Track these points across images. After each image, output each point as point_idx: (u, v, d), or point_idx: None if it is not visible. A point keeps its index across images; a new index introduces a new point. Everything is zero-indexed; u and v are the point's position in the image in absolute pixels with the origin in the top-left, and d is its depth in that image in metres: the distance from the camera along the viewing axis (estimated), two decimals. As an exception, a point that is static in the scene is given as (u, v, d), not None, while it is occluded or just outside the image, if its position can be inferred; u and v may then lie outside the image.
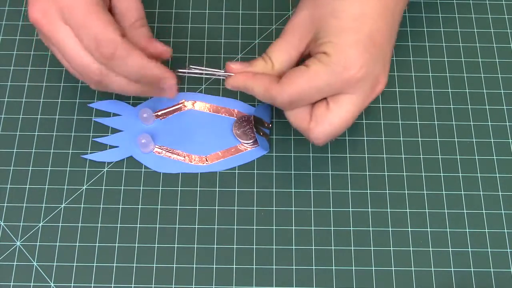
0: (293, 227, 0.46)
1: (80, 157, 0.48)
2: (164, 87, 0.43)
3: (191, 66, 0.45)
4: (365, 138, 0.49)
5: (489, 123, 0.49)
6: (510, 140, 0.49)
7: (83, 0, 0.40)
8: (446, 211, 0.47)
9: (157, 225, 0.46)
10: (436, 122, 0.49)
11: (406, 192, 0.47)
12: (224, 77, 0.44)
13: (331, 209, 0.46)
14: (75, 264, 0.45)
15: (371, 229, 0.46)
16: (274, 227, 0.46)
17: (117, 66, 0.41)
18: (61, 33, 0.40)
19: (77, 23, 0.40)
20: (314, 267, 0.45)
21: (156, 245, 0.45)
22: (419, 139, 0.49)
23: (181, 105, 0.50)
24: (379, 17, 0.41)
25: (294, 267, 0.45)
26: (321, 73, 0.40)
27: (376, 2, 0.41)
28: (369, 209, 0.46)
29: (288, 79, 0.41)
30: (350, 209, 0.46)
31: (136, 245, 0.45)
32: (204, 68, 0.45)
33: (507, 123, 0.49)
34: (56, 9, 0.40)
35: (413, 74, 0.51)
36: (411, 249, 0.45)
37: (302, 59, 0.43)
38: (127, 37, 0.41)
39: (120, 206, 0.46)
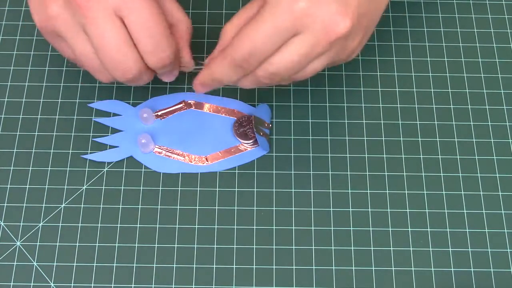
0: (293, 227, 0.46)
1: (80, 157, 0.48)
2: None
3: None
4: (365, 138, 0.49)
5: (489, 123, 0.49)
6: (510, 140, 0.49)
7: (149, 2, 0.39)
8: (446, 211, 0.47)
9: (157, 225, 0.46)
10: (436, 122, 0.49)
11: (406, 192, 0.47)
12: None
13: (331, 209, 0.46)
14: (75, 264, 0.45)
15: (371, 229, 0.46)
16: (274, 227, 0.46)
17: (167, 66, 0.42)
18: (105, 21, 0.38)
19: (142, 22, 0.38)
20: (314, 267, 0.45)
21: (156, 245, 0.45)
22: (419, 139, 0.49)
23: (181, 105, 0.50)
24: None
25: (294, 267, 0.45)
26: (268, 18, 0.37)
27: None
28: (369, 209, 0.46)
29: (238, 37, 0.39)
30: (350, 209, 0.46)
31: (136, 245, 0.45)
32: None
33: (507, 123, 0.49)
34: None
35: (413, 74, 0.51)
36: (411, 249, 0.45)
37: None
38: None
39: (120, 206, 0.46)
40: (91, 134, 0.49)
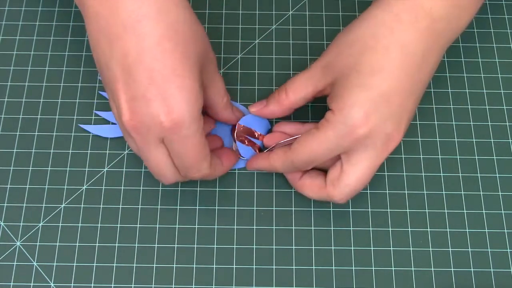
0: (293, 227, 0.46)
1: (80, 158, 0.48)
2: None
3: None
4: (365, 138, 0.49)
5: (489, 123, 0.49)
6: (510, 140, 0.49)
7: (193, 139, 0.40)
8: (446, 211, 0.47)
9: (157, 225, 0.46)
10: (436, 122, 0.49)
11: (406, 192, 0.47)
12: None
13: (331, 209, 0.46)
14: (75, 264, 0.45)
15: (371, 229, 0.46)
16: (274, 227, 0.46)
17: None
18: (154, 150, 0.40)
19: (180, 151, 0.40)
20: (314, 267, 0.45)
21: (156, 245, 0.45)
22: (419, 139, 0.49)
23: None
24: (401, 74, 0.40)
25: (294, 267, 0.45)
26: (330, 135, 0.40)
27: (400, 59, 0.40)
28: (369, 209, 0.46)
29: (300, 144, 0.42)
30: (350, 209, 0.46)
31: (136, 245, 0.45)
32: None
33: (507, 123, 0.49)
34: (158, 129, 0.39)
35: (413, 74, 0.51)
36: (411, 249, 0.45)
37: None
38: (219, 116, 0.46)
39: (120, 206, 0.46)
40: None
